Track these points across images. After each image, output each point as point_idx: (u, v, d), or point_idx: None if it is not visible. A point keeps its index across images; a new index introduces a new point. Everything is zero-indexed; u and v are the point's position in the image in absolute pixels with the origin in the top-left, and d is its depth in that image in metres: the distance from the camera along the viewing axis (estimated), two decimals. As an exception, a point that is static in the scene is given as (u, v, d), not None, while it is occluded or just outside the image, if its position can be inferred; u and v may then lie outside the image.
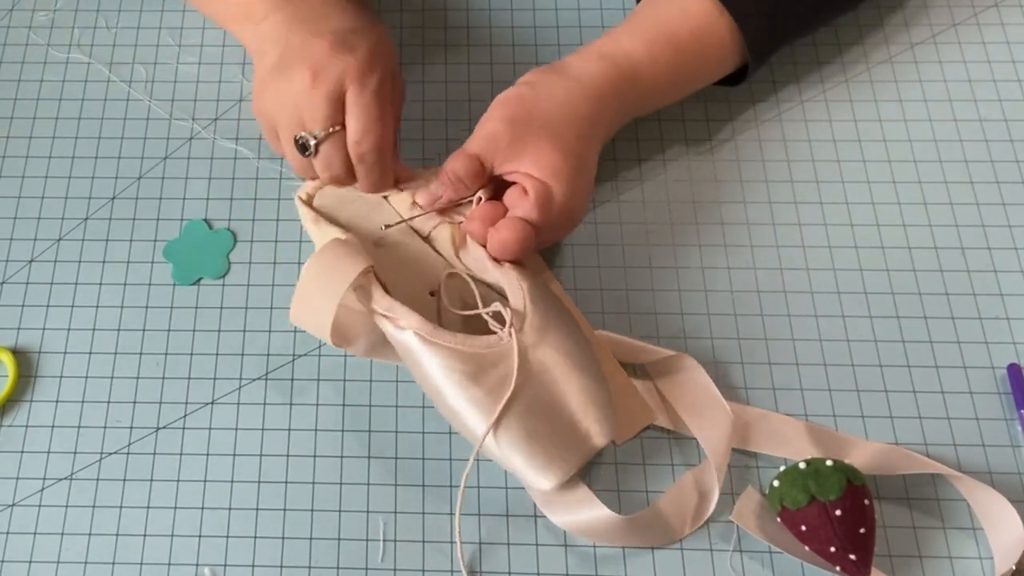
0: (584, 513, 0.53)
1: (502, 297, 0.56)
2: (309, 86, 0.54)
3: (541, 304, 0.54)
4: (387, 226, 0.58)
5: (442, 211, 0.58)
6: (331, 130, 0.55)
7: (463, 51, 0.69)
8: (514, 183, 0.56)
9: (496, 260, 0.56)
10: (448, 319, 0.56)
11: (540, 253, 0.61)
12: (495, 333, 0.53)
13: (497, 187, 0.57)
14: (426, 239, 0.59)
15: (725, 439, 0.55)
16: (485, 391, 0.51)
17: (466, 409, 0.52)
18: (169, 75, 0.69)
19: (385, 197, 0.60)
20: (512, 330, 0.52)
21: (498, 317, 0.53)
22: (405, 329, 0.52)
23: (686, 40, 0.59)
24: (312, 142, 0.55)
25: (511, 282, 0.54)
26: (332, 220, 0.59)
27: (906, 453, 0.55)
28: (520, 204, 0.55)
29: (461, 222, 0.57)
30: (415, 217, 0.58)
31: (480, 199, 0.56)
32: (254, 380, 0.59)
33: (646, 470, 0.56)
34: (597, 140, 0.58)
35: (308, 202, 0.60)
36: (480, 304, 0.54)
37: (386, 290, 0.54)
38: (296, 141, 0.56)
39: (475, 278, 0.57)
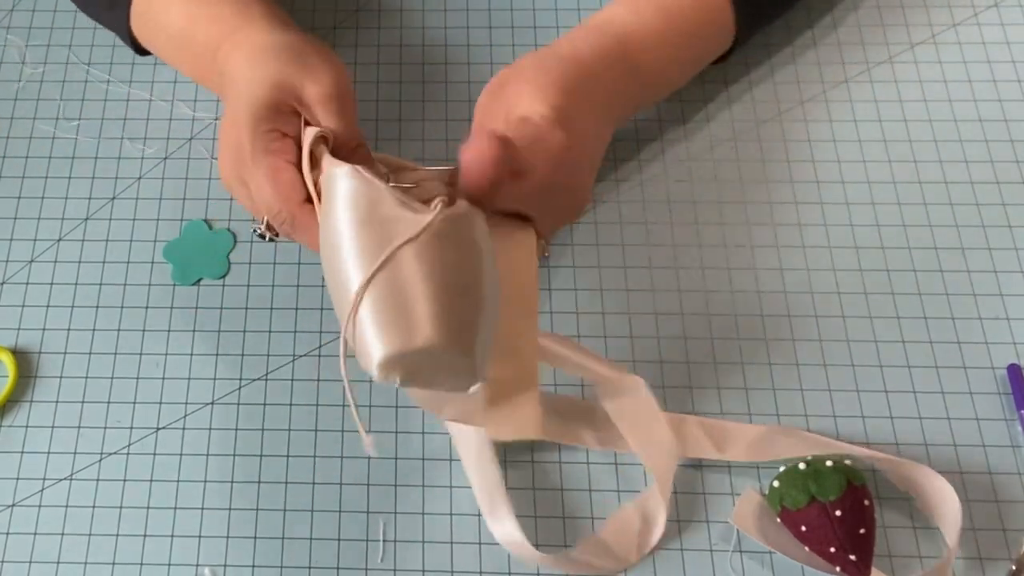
0: (518, 550, 0.53)
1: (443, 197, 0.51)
2: (224, 183, 0.55)
3: (473, 221, 0.49)
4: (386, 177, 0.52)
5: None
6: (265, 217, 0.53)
7: (463, 51, 0.69)
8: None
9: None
10: None
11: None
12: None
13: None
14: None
15: (671, 462, 0.55)
16: (376, 237, 0.46)
17: (348, 243, 0.46)
18: (170, 75, 0.69)
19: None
20: (440, 203, 0.47)
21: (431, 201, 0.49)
22: (343, 166, 0.48)
23: (674, 4, 0.59)
24: (263, 229, 0.54)
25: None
26: None
27: (790, 430, 0.56)
28: (511, 130, 0.52)
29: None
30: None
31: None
32: (254, 380, 0.59)
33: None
34: (588, 99, 0.55)
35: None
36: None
37: None
38: (257, 235, 0.55)
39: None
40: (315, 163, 0.51)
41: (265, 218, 0.53)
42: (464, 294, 0.47)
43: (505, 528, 0.54)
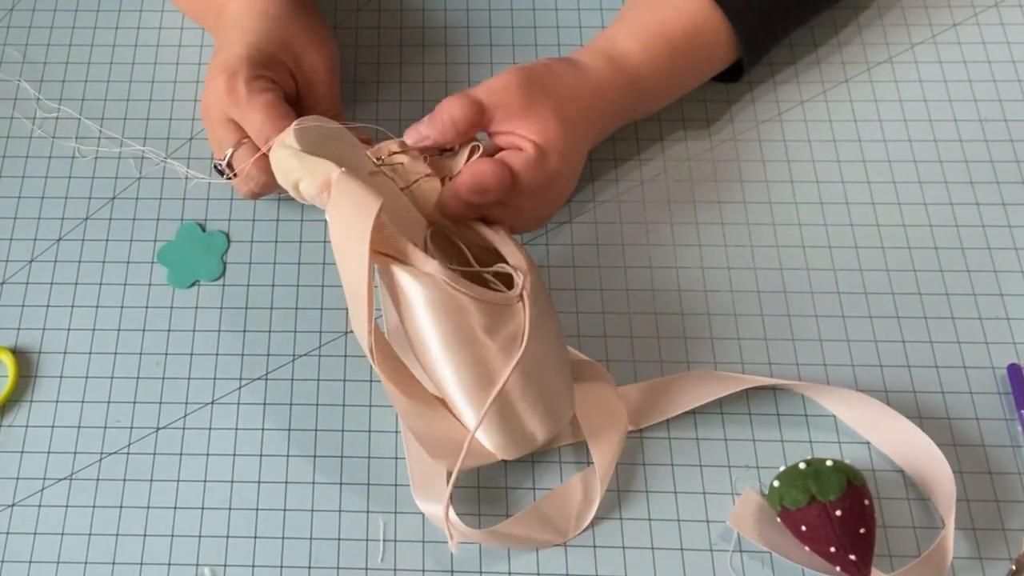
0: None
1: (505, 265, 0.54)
2: (205, 120, 0.59)
3: (538, 276, 0.53)
4: (377, 164, 0.54)
5: (425, 156, 0.55)
6: (231, 151, 0.57)
7: (463, 51, 0.69)
8: (503, 149, 0.55)
9: (485, 221, 0.55)
10: None
11: (539, 252, 0.61)
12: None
13: None
14: (405, 190, 0.55)
15: (615, 435, 0.55)
16: (497, 347, 0.49)
17: (467, 364, 0.49)
18: (170, 74, 0.69)
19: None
20: (524, 292, 0.50)
21: (501, 278, 0.51)
22: (418, 272, 0.48)
23: (681, 40, 0.59)
24: (223, 166, 0.58)
25: (510, 249, 0.53)
26: None
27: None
28: (509, 156, 0.54)
29: (447, 177, 0.55)
30: (399, 151, 0.55)
31: (472, 151, 0.54)
32: (254, 380, 0.59)
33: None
34: (591, 134, 0.58)
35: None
36: (473, 263, 0.53)
37: None
38: (216, 170, 0.59)
39: (464, 241, 0.55)
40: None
41: (228, 154, 0.57)
42: (561, 356, 0.53)
43: (437, 507, 0.53)
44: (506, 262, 0.52)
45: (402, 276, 0.49)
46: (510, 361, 0.49)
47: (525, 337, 0.49)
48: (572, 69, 0.57)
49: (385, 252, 0.49)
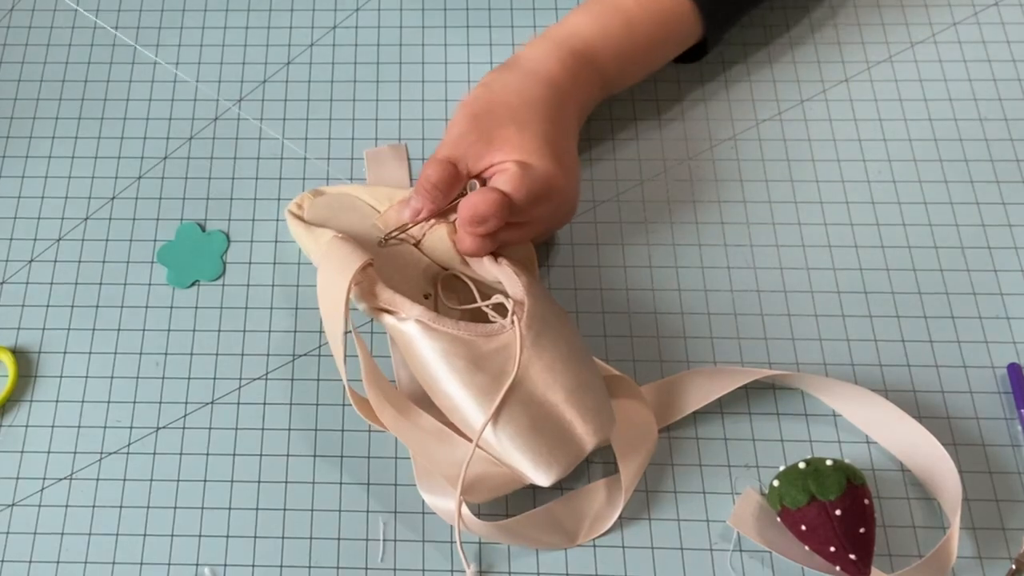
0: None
1: (501, 295, 0.56)
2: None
3: (540, 298, 0.54)
4: (383, 240, 0.58)
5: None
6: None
7: (463, 51, 0.69)
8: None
9: (493, 257, 0.56)
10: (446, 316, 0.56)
11: (539, 251, 0.62)
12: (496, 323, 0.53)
13: None
14: (416, 245, 0.59)
15: (645, 448, 0.55)
16: (489, 378, 0.51)
17: (467, 398, 0.52)
18: (169, 75, 0.69)
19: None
20: (515, 317, 0.52)
21: (499, 308, 0.54)
22: (407, 319, 0.53)
23: (636, 10, 0.60)
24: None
25: (508, 276, 0.55)
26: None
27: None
28: (495, 182, 0.55)
29: (455, 219, 0.57)
30: (401, 230, 0.58)
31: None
32: (254, 380, 0.59)
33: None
34: (566, 122, 0.58)
35: (299, 215, 0.61)
36: (479, 299, 0.55)
37: None
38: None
39: (473, 279, 0.57)
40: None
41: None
42: (585, 364, 0.54)
43: (447, 501, 0.53)
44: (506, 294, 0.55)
45: (395, 324, 0.54)
46: (501, 390, 0.51)
47: (518, 360, 0.52)
48: (514, 72, 0.58)
49: (379, 307, 0.54)
